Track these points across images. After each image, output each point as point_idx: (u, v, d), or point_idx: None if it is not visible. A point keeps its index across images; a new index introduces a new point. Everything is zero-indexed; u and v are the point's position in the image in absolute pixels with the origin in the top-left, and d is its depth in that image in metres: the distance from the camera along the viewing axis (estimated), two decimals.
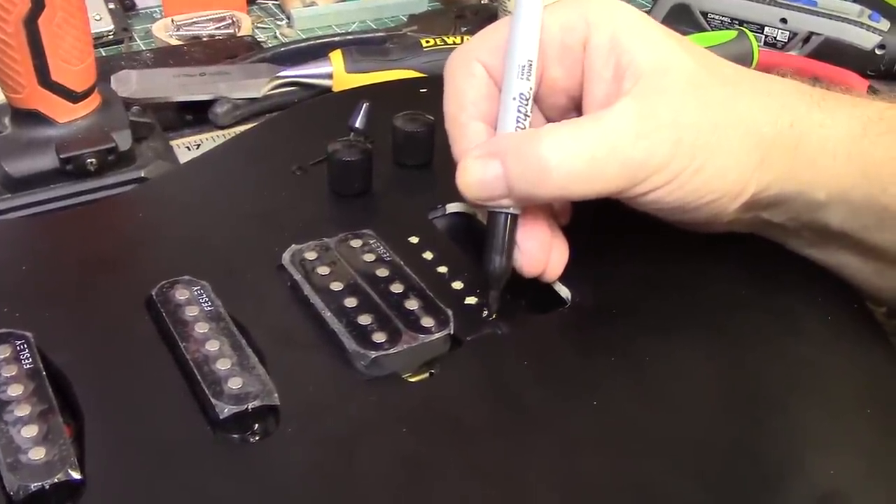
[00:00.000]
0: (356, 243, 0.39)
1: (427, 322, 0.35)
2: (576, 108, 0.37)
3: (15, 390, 0.31)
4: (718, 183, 0.34)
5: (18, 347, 0.33)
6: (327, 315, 0.35)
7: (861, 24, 0.68)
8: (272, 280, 0.38)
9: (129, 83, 0.60)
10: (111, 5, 0.76)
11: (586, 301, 0.37)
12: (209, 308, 0.35)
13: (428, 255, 0.39)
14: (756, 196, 0.35)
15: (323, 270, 0.37)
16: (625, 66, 0.34)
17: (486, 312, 0.36)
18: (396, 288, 0.36)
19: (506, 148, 0.34)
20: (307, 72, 0.63)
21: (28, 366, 0.32)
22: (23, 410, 0.31)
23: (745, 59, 0.66)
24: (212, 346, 0.33)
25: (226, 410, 0.31)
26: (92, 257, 0.39)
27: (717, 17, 0.73)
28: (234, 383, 0.32)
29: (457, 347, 0.35)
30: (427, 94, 0.52)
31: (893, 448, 0.33)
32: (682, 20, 0.75)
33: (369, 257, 0.38)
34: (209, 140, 0.59)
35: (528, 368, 0.34)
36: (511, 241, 0.36)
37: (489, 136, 0.36)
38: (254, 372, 0.32)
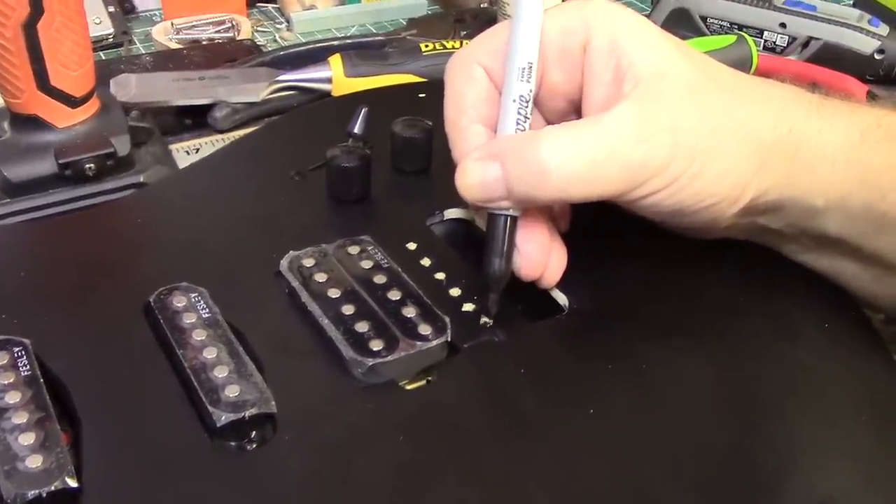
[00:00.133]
0: (354, 250, 0.39)
1: (424, 329, 0.35)
2: (575, 111, 0.37)
3: (12, 397, 0.31)
4: (717, 187, 0.34)
5: (16, 354, 0.33)
6: (325, 322, 0.35)
7: (860, 29, 0.68)
8: (270, 286, 0.38)
9: (128, 87, 0.59)
10: (111, 8, 0.76)
11: (584, 307, 0.37)
12: (207, 315, 0.35)
13: (426, 262, 0.39)
14: (754, 201, 0.35)
15: (321, 277, 0.37)
16: (624, 70, 0.34)
17: (484, 317, 0.36)
18: (394, 295, 0.36)
19: (505, 149, 0.34)
20: (306, 76, 0.63)
21: (26, 373, 0.32)
22: (20, 418, 0.31)
23: (744, 64, 0.66)
24: (209, 354, 0.33)
25: (223, 418, 0.31)
26: (90, 263, 0.39)
27: (716, 21, 0.73)
28: (232, 391, 0.32)
29: (454, 354, 0.35)
30: (426, 98, 0.53)
31: (890, 454, 0.33)
32: (682, 24, 0.74)
33: (367, 264, 0.38)
34: (208, 144, 0.59)
35: (526, 375, 0.34)
36: (511, 244, 0.36)
37: (489, 139, 0.36)
38: (251, 379, 0.32)
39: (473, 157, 0.35)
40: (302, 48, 0.70)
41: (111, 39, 0.75)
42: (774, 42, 0.71)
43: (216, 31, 0.77)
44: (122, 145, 0.48)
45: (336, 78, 0.62)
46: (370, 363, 0.33)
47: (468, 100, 0.36)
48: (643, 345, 0.36)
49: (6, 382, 0.32)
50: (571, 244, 0.38)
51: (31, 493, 0.28)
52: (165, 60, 0.69)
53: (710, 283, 0.39)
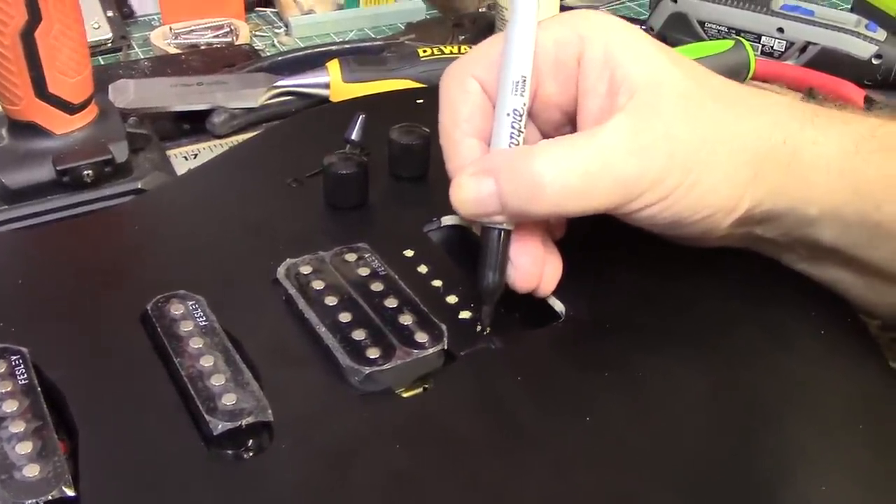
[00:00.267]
0: (351, 257, 0.39)
1: (421, 337, 0.35)
2: (570, 122, 0.37)
3: (10, 406, 0.31)
4: (712, 199, 0.34)
5: (14, 363, 0.33)
6: (321, 330, 0.35)
7: (858, 34, 0.68)
8: (267, 294, 0.38)
9: (126, 93, 0.60)
10: (109, 13, 0.76)
11: (580, 315, 0.38)
12: (204, 323, 0.35)
13: (422, 269, 0.39)
14: (749, 211, 0.36)
15: (318, 285, 0.37)
16: (619, 82, 0.34)
17: (479, 327, 0.36)
18: (391, 303, 0.37)
19: (499, 165, 0.34)
20: (304, 81, 0.63)
21: (23, 381, 0.33)
22: (17, 427, 0.31)
23: (741, 69, 0.66)
24: (206, 362, 0.33)
25: (219, 427, 0.31)
26: (88, 270, 0.39)
27: (714, 26, 0.74)
28: (228, 399, 0.32)
29: (451, 362, 0.35)
30: (424, 104, 0.53)
31: (887, 463, 0.33)
32: (680, 29, 0.75)
33: (364, 271, 0.38)
34: (206, 149, 0.59)
35: (522, 383, 0.34)
36: (504, 257, 0.36)
37: (483, 153, 0.36)
38: (248, 388, 0.33)
39: (467, 173, 0.35)
40: (300, 53, 0.70)
41: (110, 44, 0.75)
42: (772, 47, 0.72)
43: (214, 36, 0.77)
44: (120, 152, 0.48)
45: (334, 83, 0.62)
46: (367, 371, 0.33)
47: (462, 113, 0.36)
48: (639, 353, 0.36)
49: (4, 391, 0.32)
50: (568, 252, 0.38)
51: (29, 503, 0.28)
52: (164, 65, 0.69)
53: (707, 292, 0.39)
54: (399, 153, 0.45)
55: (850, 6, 0.82)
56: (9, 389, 0.32)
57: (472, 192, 0.34)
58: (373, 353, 0.34)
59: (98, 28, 0.75)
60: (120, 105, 0.56)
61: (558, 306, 0.38)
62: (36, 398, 0.32)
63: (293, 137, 0.51)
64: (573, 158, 0.33)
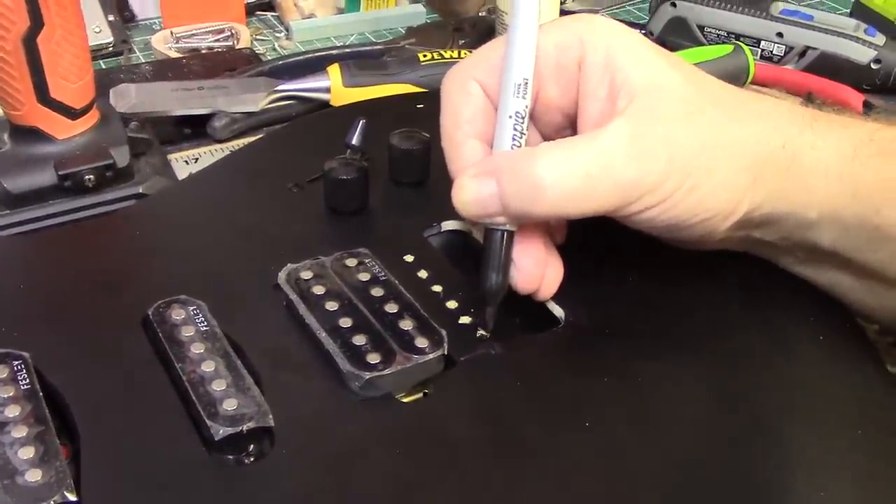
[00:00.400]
0: (351, 262, 0.39)
1: (421, 342, 0.35)
2: (571, 125, 0.38)
3: (12, 411, 0.32)
4: (711, 202, 0.35)
5: (16, 368, 0.33)
6: (322, 335, 0.35)
7: (857, 39, 0.68)
8: (268, 299, 0.38)
9: (127, 97, 0.60)
10: (111, 17, 0.76)
11: (580, 321, 0.38)
12: (205, 328, 0.35)
13: (423, 274, 0.40)
14: (748, 215, 0.36)
15: (318, 290, 0.37)
16: (619, 85, 0.34)
17: (481, 330, 0.36)
18: (391, 308, 0.37)
19: (501, 166, 0.34)
20: (305, 86, 0.63)
21: (25, 386, 0.33)
22: (20, 432, 0.31)
23: (741, 73, 0.66)
24: (207, 367, 0.34)
25: (221, 432, 0.31)
26: (89, 275, 0.40)
27: (713, 30, 0.74)
28: (230, 405, 0.32)
29: (451, 367, 0.35)
30: (424, 109, 0.53)
31: (885, 469, 0.33)
32: (679, 34, 0.75)
33: (364, 276, 0.38)
34: (207, 154, 0.59)
35: (522, 389, 0.35)
36: (507, 258, 0.36)
37: (485, 155, 0.36)
38: (249, 393, 0.33)
39: (469, 174, 0.35)
40: (300, 57, 0.71)
41: (111, 48, 0.75)
42: (771, 52, 0.72)
43: (215, 40, 0.77)
44: (121, 156, 0.49)
45: (335, 88, 0.62)
46: (367, 377, 0.34)
47: (464, 115, 0.36)
48: (639, 358, 0.36)
49: (6, 396, 0.32)
50: (568, 257, 0.38)
51: None
52: (165, 69, 0.69)
53: (706, 296, 0.39)
54: (399, 158, 0.46)
55: (849, 11, 0.82)
56: (11, 394, 0.32)
57: (473, 194, 0.35)
58: (373, 358, 0.34)
59: (99, 32, 0.75)
60: (121, 109, 0.56)
61: (558, 312, 0.38)
62: (38, 403, 0.32)
63: (294, 142, 0.51)
64: (574, 161, 0.33)
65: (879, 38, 0.69)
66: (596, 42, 0.35)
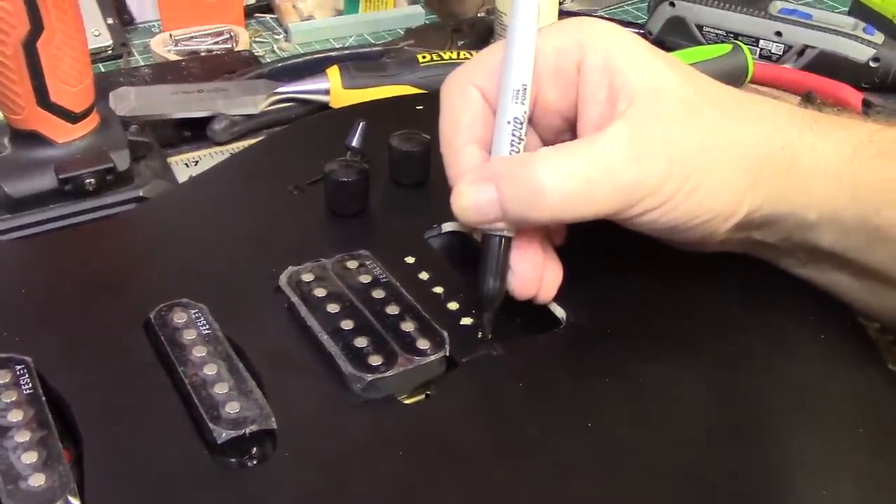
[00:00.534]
0: (352, 264, 0.39)
1: (423, 344, 0.35)
2: (570, 128, 0.38)
3: (15, 416, 0.32)
4: (711, 204, 0.35)
5: (18, 372, 0.33)
6: (324, 338, 0.35)
7: (855, 38, 0.68)
8: (269, 302, 0.38)
9: (127, 100, 0.60)
10: (110, 20, 0.76)
11: (581, 322, 0.38)
12: (207, 331, 0.35)
13: (424, 276, 0.40)
14: (748, 216, 0.36)
15: (320, 292, 0.37)
16: (618, 88, 0.34)
17: (481, 334, 0.37)
18: (392, 310, 0.37)
19: (500, 172, 0.34)
20: (304, 88, 0.63)
21: (28, 391, 0.33)
22: (23, 436, 0.31)
23: (740, 73, 0.66)
24: (209, 370, 0.34)
25: (223, 435, 0.31)
26: (91, 279, 0.40)
27: (712, 30, 0.74)
28: (232, 408, 0.32)
29: (453, 369, 0.35)
30: (423, 110, 0.53)
31: (886, 468, 0.33)
32: (678, 33, 0.75)
33: (365, 278, 0.38)
34: (207, 156, 0.59)
35: (524, 390, 0.35)
36: (505, 264, 0.36)
37: (484, 160, 0.36)
38: (251, 396, 0.33)
39: (468, 180, 0.35)
40: (300, 59, 0.71)
41: (110, 51, 0.75)
42: (770, 51, 0.72)
43: (214, 43, 0.77)
44: (121, 160, 0.49)
45: (334, 90, 0.62)
46: (369, 378, 0.34)
47: (463, 120, 0.36)
48: (640, 359, 0.36)
49: (9, 401, 0.32)
50: (568, 258, 0.38)
51: None
52: (164, 72, 0.69)
53: (707, 297, 0.39)
54: (399, 160, 0.46)
55: (847, 9, 0.82)
56: (14, 399, 0.32)
57: (472, 200, 0.35)
58: (375, 360, 0.34)
59: (98, 35, 0.75)
60: (121, 113, 0.56)
61: (559, 313, 0.38)
62: (41, 407, 0.32)
63: (294, 144, 0.51)
64: (574, 165, 0.33)
65: (878, 37, 0.69)
66: (595, 45, 0.35)
